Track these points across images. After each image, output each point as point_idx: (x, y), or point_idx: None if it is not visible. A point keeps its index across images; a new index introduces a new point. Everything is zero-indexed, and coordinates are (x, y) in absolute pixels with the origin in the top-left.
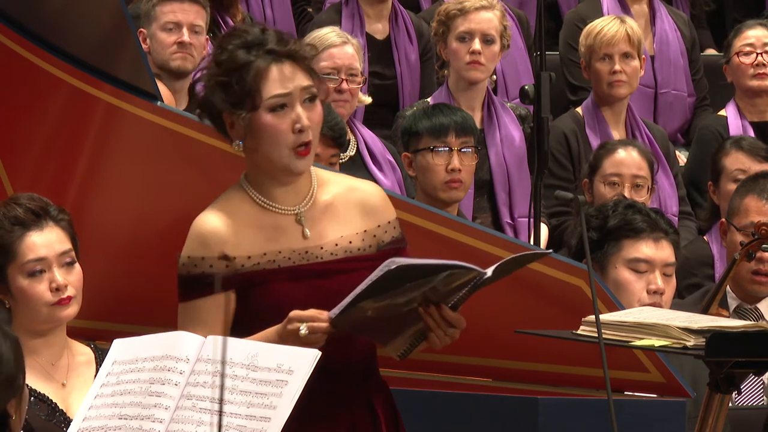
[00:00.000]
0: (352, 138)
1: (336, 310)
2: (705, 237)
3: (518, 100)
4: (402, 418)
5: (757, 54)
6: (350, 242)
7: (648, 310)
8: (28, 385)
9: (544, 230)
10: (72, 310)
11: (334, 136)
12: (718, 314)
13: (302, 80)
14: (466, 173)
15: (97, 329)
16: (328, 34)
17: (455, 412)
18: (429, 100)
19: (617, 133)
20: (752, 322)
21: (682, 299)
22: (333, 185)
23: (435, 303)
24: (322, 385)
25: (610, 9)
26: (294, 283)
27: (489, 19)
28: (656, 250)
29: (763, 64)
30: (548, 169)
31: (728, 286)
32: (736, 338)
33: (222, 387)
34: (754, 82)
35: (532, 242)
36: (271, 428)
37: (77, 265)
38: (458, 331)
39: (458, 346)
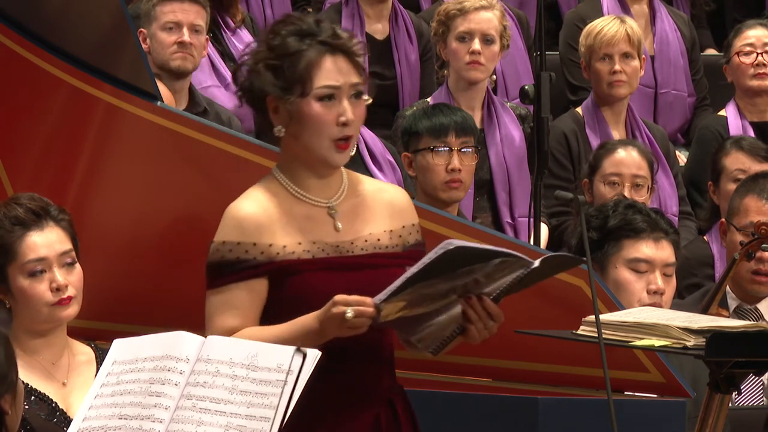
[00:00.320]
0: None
1: (382, 296)
2: (705, 237)
3: (518, 100)
4: (419, 426)
5: (758, 54)
6: (378, 239)
7: (648, 310)
8: (28, 385)
9: (544, 230)
10: (72, 310)
11: None
12: (718, 314)
13: (353, 76)
14: (466, 173)
15: (97, 329)
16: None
17: (455, 412)
18: (429, 100)
19: (617, 133)
20: (752, 322)
21: (682, 299)
22: (362, 184)
23: (476, 294)
24: (349, 376)
25: (610, 9)
26: (328, 273)
27: (489, 19)
28: (656, 250)
29: (764, 64)
30: (548, 169)
31: (728, 286)
32: (736, 338)
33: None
34: (755, 82)
35: (532, 242)
36: (271, 428)
37: (78, 266)
38: (497, 326)
39: (458, 346)
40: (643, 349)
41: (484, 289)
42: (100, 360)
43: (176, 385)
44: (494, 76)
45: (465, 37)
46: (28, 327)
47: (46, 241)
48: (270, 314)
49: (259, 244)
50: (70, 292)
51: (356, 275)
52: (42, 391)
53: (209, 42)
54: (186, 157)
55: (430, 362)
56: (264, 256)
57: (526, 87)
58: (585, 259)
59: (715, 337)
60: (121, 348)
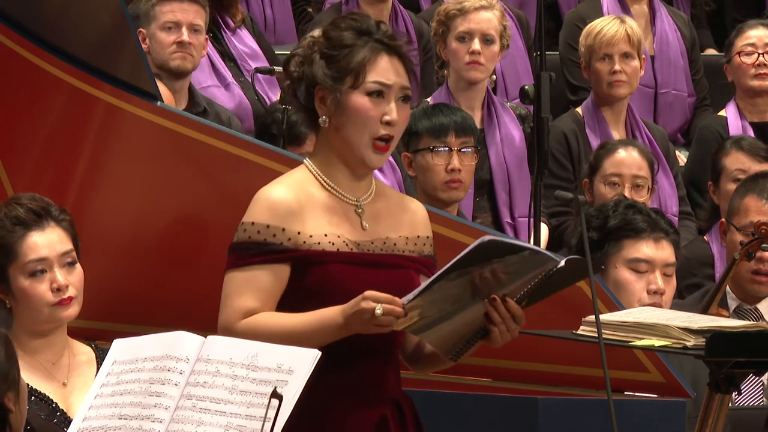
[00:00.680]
0: None
1: (410, 296)
2: (705, 237)
3: (518, 100)
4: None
5: (759, 54)
6: (395, 244)
7: (648, 310)
8: (28, 385)
9: (544, 230)
10: (73, 310)
11: None
12: (718, 314)
13: (404, 79)
14: (466, 173)
15: (97, 329)
16: None
17: (455, 412)
18: (429, 100)
19: (617, 133)
20: (752, 322)
21: (682, 299)
22: (388, 193)
23: (500, 297)
24: (356, 376)
25: (610, 9)
26: (350, 267)
27: (488, 19)
28: (656, 251)
29: (764, 65)
30: (548, 169)
31: (728, 286)
32: (736, 338)
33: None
34: (755, 82)
35: (532, 242)
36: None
37: (78, 266)
38: (518, 329)
39: None
40: (643, 349)
41: (506, 289)
42: (100, 360)
43: (176, 385)
44: (494, 76)
45: (465, 37)
46: (28, 327)
47: (47, 241)
48: (288, 302)
49: (287, 230)
50: (71, 292)
51: (377, 272)
52: (42, 392)
53: (209, 42)
54: (186, 157)
55: None
56: (291, 243)
57: (526, 87)
58: (603, 267)
59: (715, 337)
60: (121, 348)
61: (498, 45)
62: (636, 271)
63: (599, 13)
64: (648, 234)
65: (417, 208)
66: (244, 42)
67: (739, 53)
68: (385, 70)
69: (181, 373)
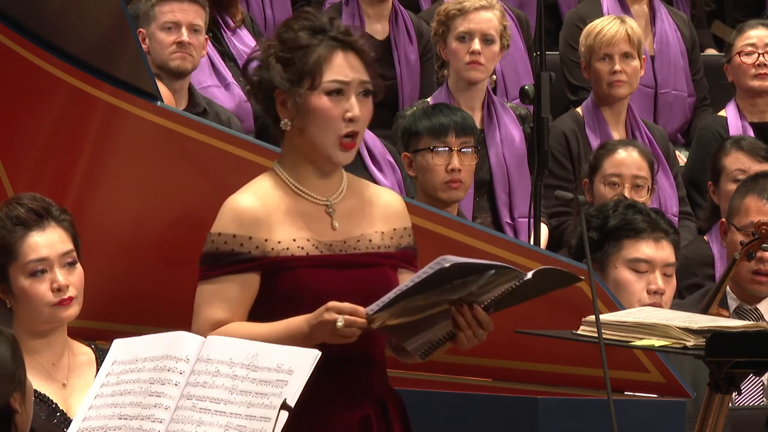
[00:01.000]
0: None
1: (374, 307)
2: (705, 237)
3: (518, 100)
4: (411, 428)
5: (759, 54)
6: (370, 240)
7: (648, 310)
8: None
9: (544, 230)
10: (73, 310)
11: None
12: (718, 314)
13: (362, 74)
14: (466, 173)
15: (97, 329)
16: None
17: (455, 412)
18: (429, 100)
19: (617, 133)
20: (752, 322)
21: (682, 299)
22: (360, 187)
23: (468, 303)
24: (340, 377)
25: (610, 9)
26: (321, 271)
27: (489, 19)
28: (656, 250)
29: (765, 65)
30: (548, 169)
31: (728, 286)
32: (736, 338)
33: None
34: (755, 82)
35: (532, 242)
36: (271, 428)
37: (79, 266)
38: (486, 334)
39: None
40: (643, 349)
41: (476, 298)
42: (100, 360)
43: (176, 385)
44: (494, 76)
45: (465, 37)
46: (28, 327)
47: (48, 241)
48: (261, 310)
49: (254, 238)
50: (71, 292)
51: (349, 273)
52: (42, 392)
53: (209, 42)
54: (186, 157)
55: (429, 362)
56: (259, 251)
57: (526, 87)
58: (582, 278)
59: (715, 337)
60: (121, 348)
61: (498, 45)
62: (636, 271)
63: (599, 13)
64: (648, 234)
65: (391, 199)
66: (244, 42)
67: (739, 53)
68: (341, 68)
69: (181, 373)
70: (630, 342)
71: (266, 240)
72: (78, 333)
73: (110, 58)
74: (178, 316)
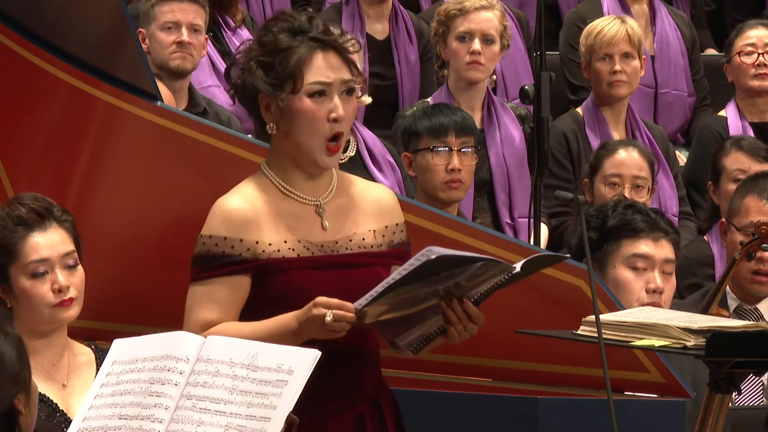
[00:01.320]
0: (352, 138)
1: (363, 301)
2: (705, 237)
3: (518, 100)
4: (405, 426)
5: (759, 54)
6: (363, 239)
7: (648, 310)
8: None
9: (544, 230)
10: (74, 311)
11: None
12: (718, 314)
13: (344, 73)
14: (466, 173)
15: (97, 329)
16: None
17: (455, 412)
18: (429, 100)
19: (617, 134)
20: (752, 322)
21: (682, 299)
22: (351, 184)
23: (457, 297)
24: (333, 375)
25: (611, 9)
26: (312, 272)
27: (489, 19)
28: (655, 248)
29: (764, 65)
30: (548, 169)
31: (728, 286)
32: (736, 338)
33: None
34: (755, 82)
35: (532, 242)
36: (271, 428)
37: (80, 267)
38: (476, 327)
39: (458, 346)
40: (643, 349)
41: (466, 291)
42: (100, 361)
43: (176, 385)
44: (494, 76)
45: (465, 37)
46: (28, 327)
47: (49, 242)
48: (252, 311)
49: (245, 241)
50: (72, 293)
51: (341, 273)
52: (42, 392)
53: (209, 41)
54: (186, 157)
55: (429, 362)
56: (249, 253)
57: (526, 87)
58: (567, 256)
59: (715, 337)
60: (121, 348)
61: (498, 45)
62: (634, 268)
63: (599, 13)
64: (647, 234)
65: (383, 195)
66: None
67: (739, 53)
68: (322, 69)
69: (181, 373)
70: (630, 342)
71: (257, 242)
72: (78, 333)
73: (110, 58)
74: (178, 316)
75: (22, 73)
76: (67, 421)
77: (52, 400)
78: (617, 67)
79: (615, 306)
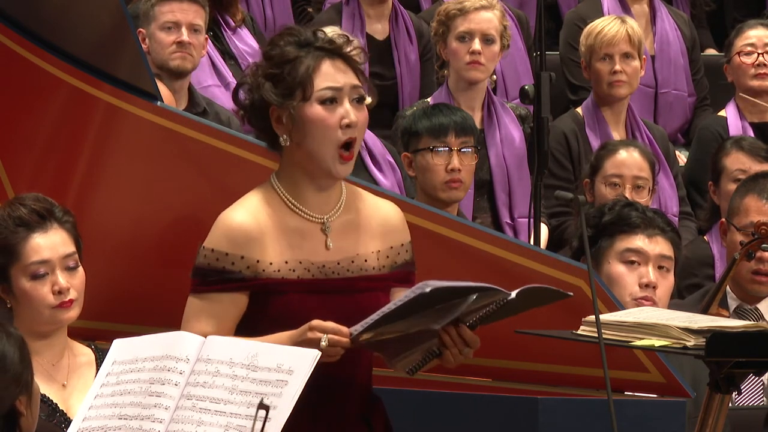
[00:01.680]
0: None
1: (359, 327)
2: (705, 237)
3: (518, 100)
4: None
5: (759, 54)
6: (366, 261)
7: (648, 310)
8: None
9: (544, 230)
10: (74, 312)
11: None
12: (718, 314)
13: (353, 79)
14: (466, 173)
15: (97, 329)
16: (328, 34)
17: (455, 412)
18: (429, 100)
19: (617, 134)
20: (752, 322)
21: (682, 299)
22: (359, 200)
23: (453, 322)
24: (321, 402)
25: (611, 9)
26: (311, 296)
27: (489, 19)
28: (649, 244)
29: (764, 64)
30: (548, 169)
31: (728, 286)
32: (736, 338)
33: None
34: (755, 82)
35: (532, 242)
36: (271, 428)
37: (80, 269)
38: (472, 351)
39: None
40: (643, 349)
41: (462, 317)
42: (100, 361)
43: (176, 385)
44: (494, 76)
45: (465, 37)
46: (29, 328)
47: (50, 243)
48: (249, 328)
49: (246, 258)
50: (72, 295)
51: (340, 299)
52: (42, 393)
53: (209, 41)
54: (186, 157)
55: None
56: (250, 271)
57: (526, 87)
58: (571, 294)
59: (715, 337)
60: (121, 348)
61: (498, 45)
62: (627, 262)
63: (599, 13)
64: (642, 230)
65: (390, 213)
66: (244, 41)
67: (738, 53)
68: (331, 74)
69: (181, 373)
70: (630, 342)
71: (258, 261)
72: (78, 333)
73: (110, 58)
74: (178, 316)
75: (22, 73)
76: (67, 422)
77: (52, 401)
78: (617, 67)
79: (615, 306)
